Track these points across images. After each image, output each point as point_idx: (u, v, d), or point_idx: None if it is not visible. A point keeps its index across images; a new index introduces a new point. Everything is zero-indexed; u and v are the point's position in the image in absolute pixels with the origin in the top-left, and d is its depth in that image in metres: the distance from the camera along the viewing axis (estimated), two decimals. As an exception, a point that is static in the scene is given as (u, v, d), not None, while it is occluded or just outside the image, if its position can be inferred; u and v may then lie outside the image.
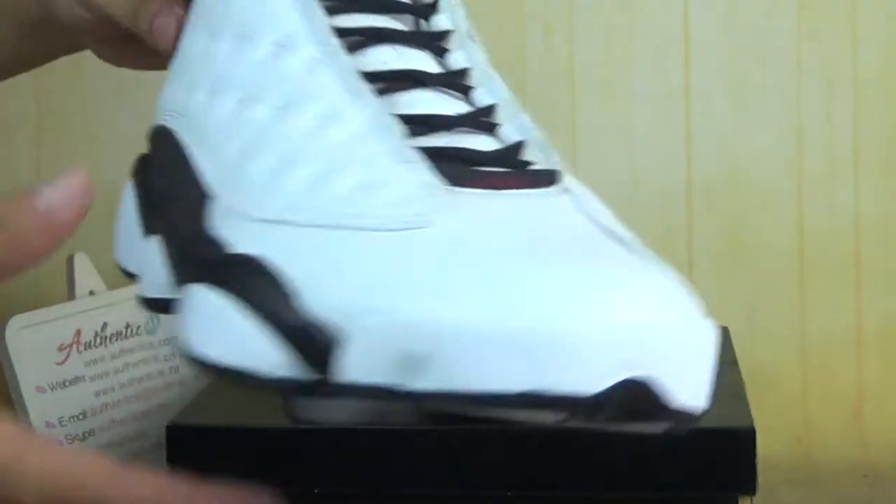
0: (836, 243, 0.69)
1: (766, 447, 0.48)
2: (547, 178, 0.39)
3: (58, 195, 0.39)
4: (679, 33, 0.70)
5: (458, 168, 0.38)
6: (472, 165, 0.39)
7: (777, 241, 0.69)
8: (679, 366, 0.34)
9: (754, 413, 0.48)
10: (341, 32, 0.40)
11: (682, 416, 0.35)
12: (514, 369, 0.33)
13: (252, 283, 0.38)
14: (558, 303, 0.33)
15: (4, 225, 0.39)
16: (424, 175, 0.38)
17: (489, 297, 0.34)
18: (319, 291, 0.37)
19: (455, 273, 0.35)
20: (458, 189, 0.38)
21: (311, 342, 0.36)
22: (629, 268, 0.35)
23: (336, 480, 0.47)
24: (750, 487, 0.46)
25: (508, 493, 0.47)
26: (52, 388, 0.53)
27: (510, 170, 0.40)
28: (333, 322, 0.36)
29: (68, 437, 0.53)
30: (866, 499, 0.61)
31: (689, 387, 0.34)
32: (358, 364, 0.35)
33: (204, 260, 0.40)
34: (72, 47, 0.49)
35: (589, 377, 0.33)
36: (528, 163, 0.40)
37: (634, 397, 0.33)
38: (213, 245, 0.40)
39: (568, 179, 0.40)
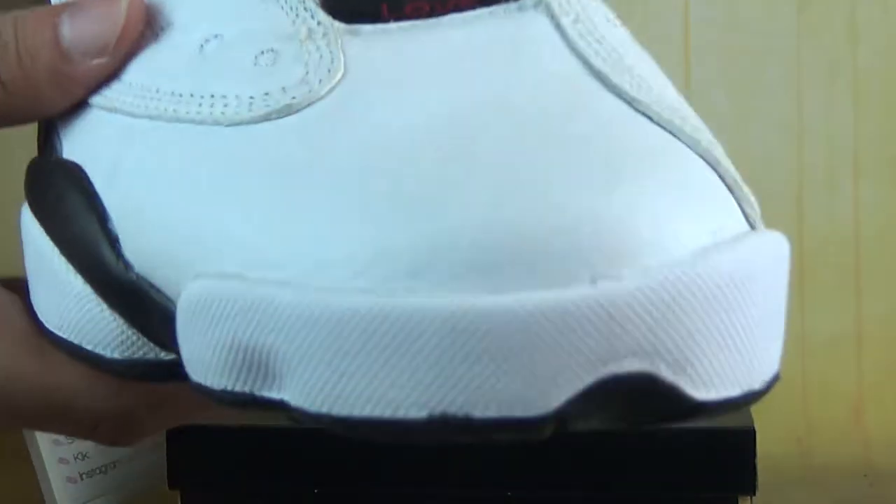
0: (836, 243, 0.69)
1: (766, 447, 0.48)
2: None
3: (87, 29, 0.27)
4: (679, 33, 0.70)
5: None
6: None
7: (777, 241, 0.69)
8: (712, 331, 0.21)
9: (754, 413, 0.48)
10: None
11: (723, 407, 0.22)
12: (411, 377, 0.20)
13: (66, 211, 0.26)
14: (482, 252, 0.20)
15: (6, 48, 0.27)
16: (307, 16, 0.24)
17: (360, 244, 0.21)
18: (137, 230, 0.25)
19: (313, 198, 0.22)
20: (365, 29, 0.24)
21: (141, 313, 0.25)
22: (631, 166, 0.21)
23: (336, 480, 0.47)
24: (750, 487, 0.46)
25: (508, 493, 0.47)
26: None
27: None
28: (155, 284, 0.25)
29: (68, 437, 0.53)
30: (866, 499, 0.61)
31: (736, 360, 0.21)
32: (194, 356, 0.23)
33: (31, 168, 0.29)
34: None
35: (539, 383, 0.20)
36: None
37: (627, 403, 0.21)
38: (53, 144, 0.28)
39: None
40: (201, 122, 0.25)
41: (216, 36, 0.25)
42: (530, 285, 0.20)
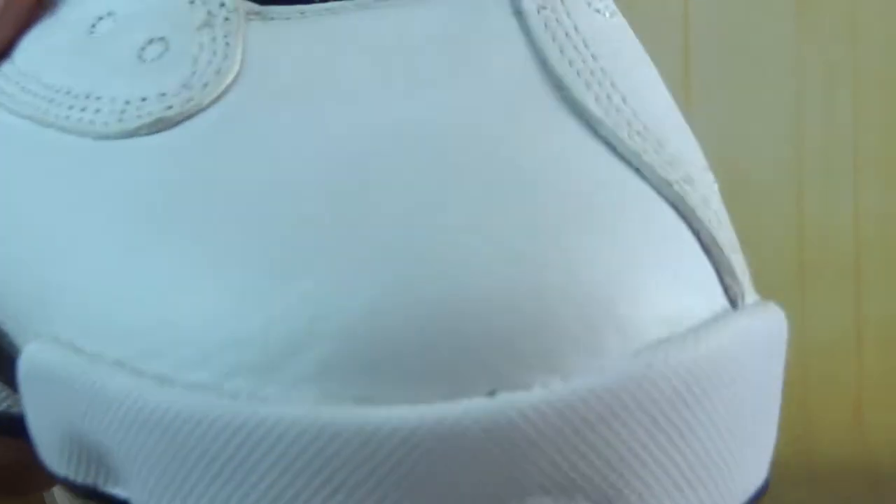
0: (836, 243, 0.69)
1: (766, 447, 0.48)
2: None
3: None
4: (679, 33, 0.70)
5: None
6: None
7: (777, 240, 0.69)
8: (656, 456, 0.16)
9: (754, 413, 0.48)
10: None
11: None
12: None
13: None
14: (355, 346, 0.16)
15: None
16: (204, 4, 0.19)
17: (207, 321, 0.16)
18: None
19: (164, 251, 0.17)
20: (279, 11, 0.19)
21: None
22: (566, 225, 0.16)
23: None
24: (750, 487, 0.46)
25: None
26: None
27: None
28: (4, 331, 0.20)
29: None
30: (866, 499, 0.61)
31: (693, 488, 0.17)
32: (34, 432, 0.19)
33: None
34: None
35: None
36: None
37: None
38: None
39: None
40: (69, 132, 0.20)
41: (110, 14, 0.21)
42: (410, 394, 0.15)
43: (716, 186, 0.21)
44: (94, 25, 0.21)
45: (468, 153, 0.17)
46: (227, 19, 0.19)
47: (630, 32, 0.22)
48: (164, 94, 0.19)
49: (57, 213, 0.19)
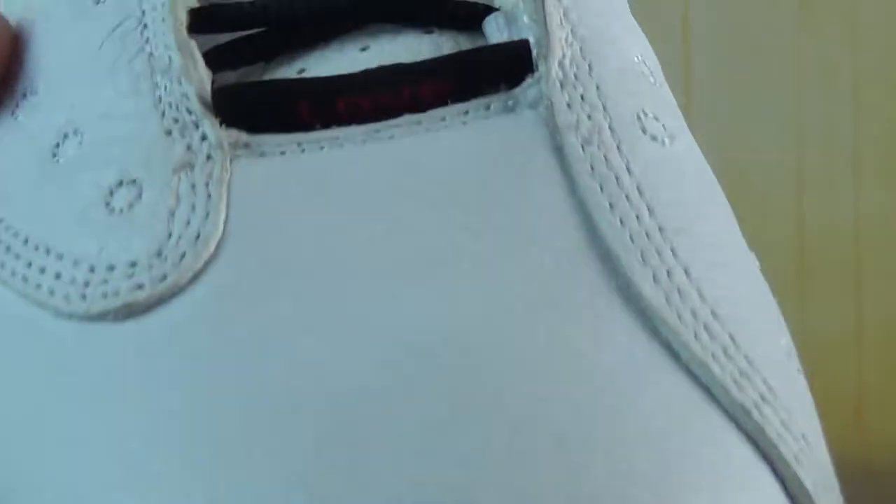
0: (836, 243, 0.69)
1: (766, 447, 0.48)
2: (502, 70, 0.16)
3: None
4: (679, 33, 0.70)
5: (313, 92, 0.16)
6: (343, 94, 0.16)
7: (776, 240, 0.69)
8: None
9: (754, 413, 0.48)
10: None
11: None
12: None
13: None
14: None
15: None
16: (189, 123, 0.16)
17: None
18: None
19: (121, 471, 0.14)
20: (272, 144, 0.16)
21: None
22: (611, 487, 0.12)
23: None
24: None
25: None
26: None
27: (429, 70, 0.16)
28: None
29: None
30: (866, 499, 0.61)
31: None
32: None
33: None
34: None
35: None
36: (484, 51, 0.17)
37: None
38: None
39: (569, 57, 0.17)
40: (25, 296, 0.16)
41: (76, 132, 0.17)
42: None
43: (803, 379, 0.15)
44: (58, 145, 0.17)
45: (493, 382, 0.13)
46: (209, 157, 0.16)
47: (694, 157, 0.17)
48: (133, 265, 0.16)
49: (15, 402, 0.16)
